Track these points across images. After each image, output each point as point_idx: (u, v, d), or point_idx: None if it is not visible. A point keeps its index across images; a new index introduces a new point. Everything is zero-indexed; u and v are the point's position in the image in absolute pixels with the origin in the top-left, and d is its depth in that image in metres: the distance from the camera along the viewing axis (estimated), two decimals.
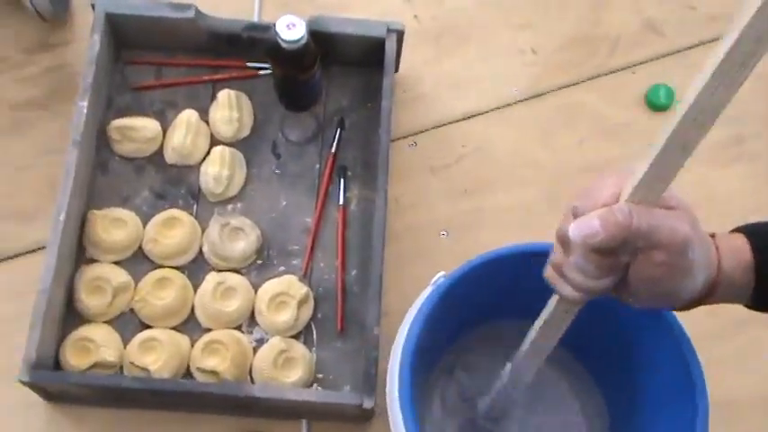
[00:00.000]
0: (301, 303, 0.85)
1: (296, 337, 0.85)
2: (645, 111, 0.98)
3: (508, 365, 0.73)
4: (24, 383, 0.75)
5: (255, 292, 0.86)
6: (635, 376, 0.69)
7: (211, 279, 0.85)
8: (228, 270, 0.86)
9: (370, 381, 0.77)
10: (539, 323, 0.59)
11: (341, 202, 0.90)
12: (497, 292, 0.75)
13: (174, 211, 0.87)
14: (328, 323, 0.86)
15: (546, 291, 0.61)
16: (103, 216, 0.85)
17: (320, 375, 0.84)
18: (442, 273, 0.77)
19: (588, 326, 0.69)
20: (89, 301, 0.83)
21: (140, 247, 0.86)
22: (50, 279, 0.78)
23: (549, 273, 0.54)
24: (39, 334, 0.77)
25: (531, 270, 0.64)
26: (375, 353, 0.78)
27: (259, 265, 0.87)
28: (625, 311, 0.60)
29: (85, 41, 0.95)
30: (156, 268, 0.86)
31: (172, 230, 0.86)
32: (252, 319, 0.85)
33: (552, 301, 0.57)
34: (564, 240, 0.50)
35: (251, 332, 0.85)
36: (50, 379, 0.76)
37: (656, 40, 0.94)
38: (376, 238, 0.83)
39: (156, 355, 0.81)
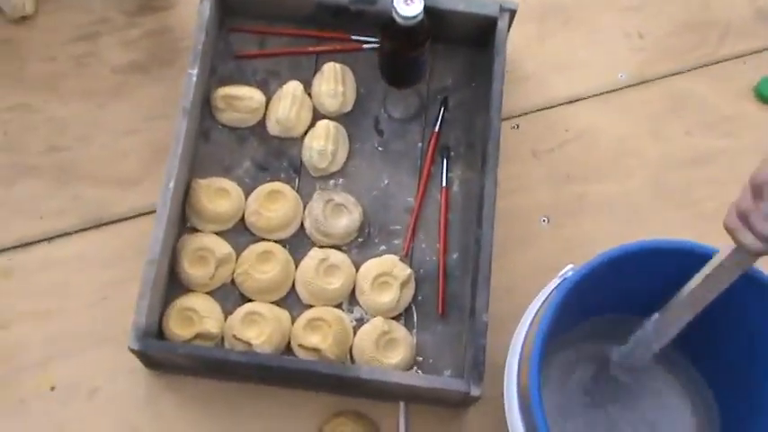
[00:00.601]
0: (404, 285, 0.84)
1: (396, 318, 0.84)
2: (754, 103, 0.96)
3: (655, 315, 0.72)
4: (133, 351, 0.76)
5: (357, 270, 0.85)
6: (754, 377, 0.69)
7: (315, 255, 0.85)
8: (330, 247, 0.86)
9: (478, 368, 0.77)
10: (700, 276, 0.58)
11: (444, 183, 0.89)
12: (618, 287, 0.75)
13: (278, 185, 0.87)
14: (429, 306, 0.85)
15: (667, 289, 0.63)
16: (208, 185, 0.84)
17: (420, 358, 0.84)
18: (570, 266, 0.75)
19: (708, 326, 0.70)
20: (193, 271, 0.83)
21: (242, 219, 0.86)
22: (159, 249, 0.78)
23: (730, 220, 0.53)
24: (147, 303, 0.77)
25: (654, 267, 0.66)
26: (483, 340, 0.78)
27: (360, 243, 0.87)
28: (754, 310, 0.62)
29: (187, 6, 0.95)
30: (256, 241, 0.85)
31: (275, 204, 0.86)
32: (352, 298, 0.85)
33: (722, 254, 0.56)
34: (758, 188, 0.49)
35: (351, 311, 0.85)
36: (160, 348, 0.77)
37: None
38: (485, 221, 0.82)
39: (258, 330, 0.81)
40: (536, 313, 0.70)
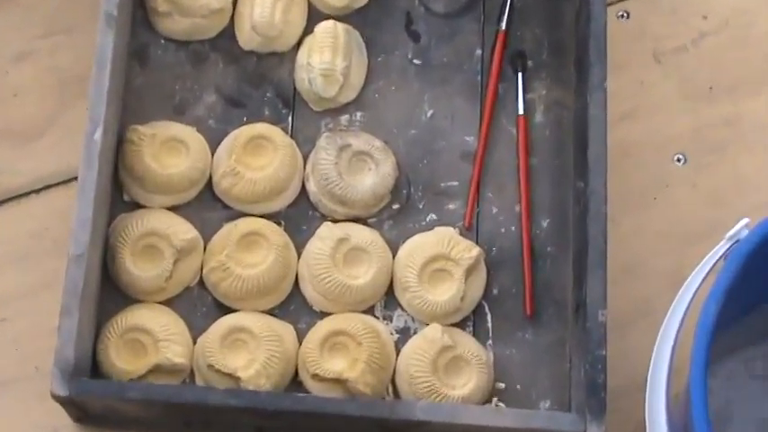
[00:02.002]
0: (469, 272, 0.82)
1: (461, 324, 0.83)
2: None
3: None
4: (57, 399, 0.74)
5: (394, 255, 0.84)
6: None
7: (327, 235, 0.83)
8: (350, 220, 0.85)
9: (597, 394, 0.75)
10: None
11: (520, 109, 0.88)
12: None
13: (262, 128, 0.85)
14: (509, 304, 0.84)
15: None
16: (152, 136, 0.83)
17: (501, 384, 0.83)
18: (744, 221, 0.70)
19: None
20: (140, 270, 0.82)
21: (209, 185, 0.85)
22: (86, 239, 0.77)
23: None
24: (75, 324, 0.75)
25: None
26: (602, 351, 0.76)
27: (396, 212, 0.86)
28: None
29: None
30: (234, 218, 0.84)
31: (259, 158, 0.84)
32: (390, 298, 0.84)
33: None
34: None
35: (389, 318, 0.85)
36: (99, 392, 0.75)
37: None
38: (593, 166, 0.80)
39: (248, 355, 0.80)
40: (691, 300, 0.68)
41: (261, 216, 0.87)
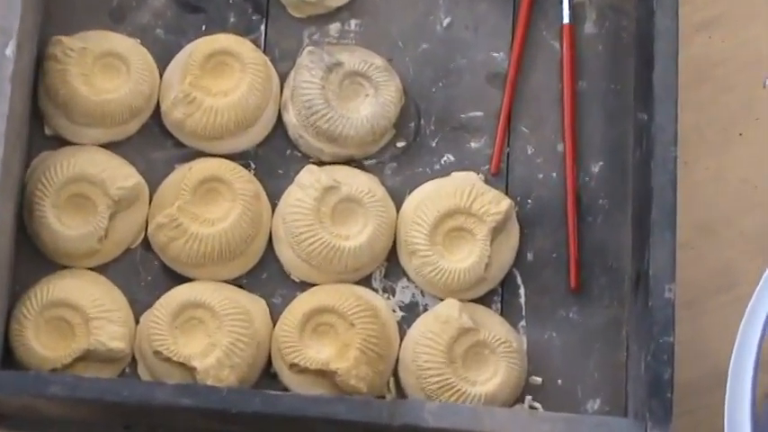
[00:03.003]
0: (497, 232, 0.84)
1: (485, 300, 0.85)
2: None
3: None
4: None
5: (398, 208, 0.86)
6: None
7: (310, 182, 0.85)
8: (340, 162, 0.87)
9: (662, 393, 0.76)
10: None
11: (566, 17, 0.90)
12: None
13: (224, 40, 0.87)
14: (548, 272, 0.86)
15: None
16: (81, 50, 0.85)
17: (537, 379, 0.85)
18: None
19: None
20: (64, 226, 0.84)
21: (155, 115, 0.87)
22: None
23: None
24: None
25: None
26: (668, 337, 0.77)
27: (401, 152, 0.88)
28: None
29: None
30: (191, 158, 0.87)
31: (220, 79, 0.86)
32: (393, 265, 0.86)
33: None
34: None
35: (391, 291, 0.86)
36: (14, 386, 0.77)
37: None
38: (660, 94, 0.81)
39: (205, 338, 0.82)
40: None
41: (224, 156, 0.87)
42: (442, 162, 0.88)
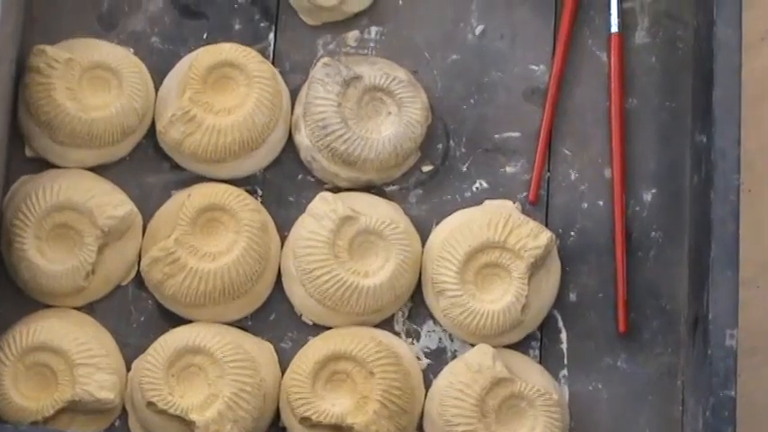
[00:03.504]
0: (536, 269, 0.85)
1: (522, 346, 0.86)
2: None
3: None
4: None
5: (423, 241, 0.87)
6: None
7: (325, 211, 0.85)
8: (358, 189, 0.88)
9: None
10: None
11: (614, 26, 0.90)
12: None
13: (228, 50, 0.88)
14: (594, 315, 0.87)
15: None
16: (67, 62, 0.86)
17: None
18: None
19: None
20: (47, 261, 0.85)
21: (152, 135, 0.88)
22: None
23: None
24: None
25: None
26: (730, 391, 0.78)
27: (427, 177, 0.89)
28: None
29: None
30: (190, 183, 0.87)
31: (224, 95, 0.87)
32: (417, 305, 0.87)
33: None
34: None
35: (415, 335, 0.87)
36: None
37: None
38: (722, 112, 0.82)
39: (205, 388, 0.82)
40: None
41: (227, 182, 0.87)
42: (474, 189, 0.89)
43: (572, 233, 0.88)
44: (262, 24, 0.91)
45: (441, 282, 0.85)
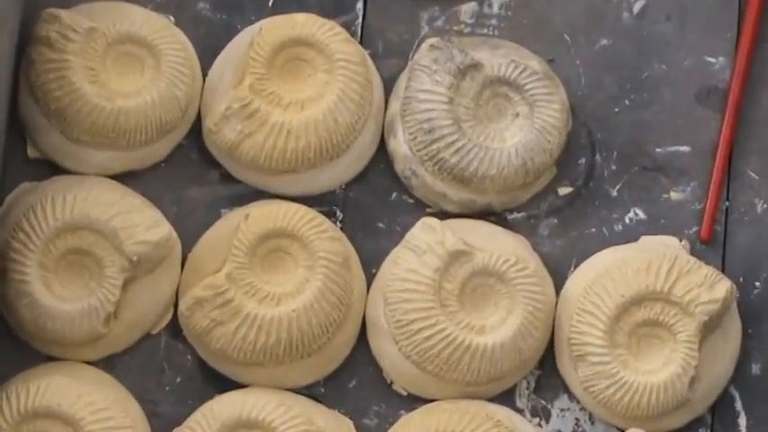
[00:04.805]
0: (708, 330, 0.86)
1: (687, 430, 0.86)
2: None
3: None
4: None
5: (558, 288, 0.89)
6: None
7: (428, 244, 0.86)
8: (474, 216, 0.89)
9: None
10: None
11: None
12: None
13: (302, 22, 0.89)
14: None
15: None
16: (88, 32, 0.88)
17: None
18: None
19: None
20: (56, 298, 0.86)
21: (196, 133, 0.90)
22: None
23: None
24: None
25: None
26: None
27: (565, 202, 0.91)
28: None
29: None
30: (248, 199, 0.89)
31: (296, 82, 0.89)
32: (548, 373, 0.89)
33: None
34: None
35: (546, 412, 0.89)
36: None
37: None
38: None
39: None
40: None
41: (297, 200, 0.88)
42: (627, 220, 0.89)
43: (757, 284, 0.89)
44: None
45: (581, 343, 0.86)
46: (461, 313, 0.85)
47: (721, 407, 0.87)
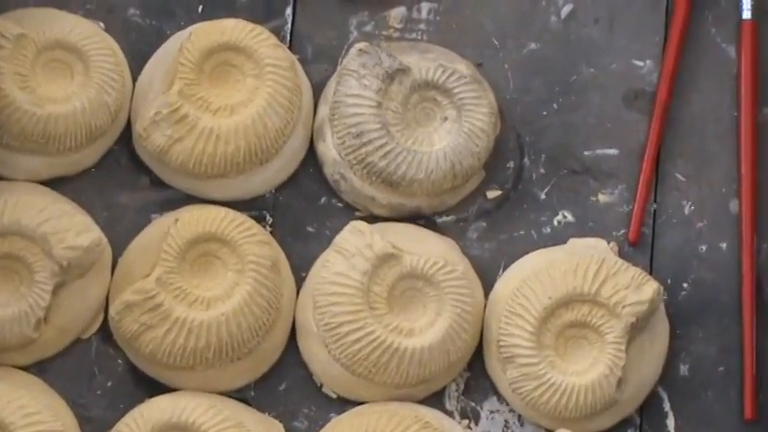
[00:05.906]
0: (636, 331, 0.85)
1: None
2: None
3: None
4: None
5: (487, 291, 0.88)
6: None
7: (357, 247, 0.86)
8: (403, 219, 0.89)
9: None
10: None
11: (746, 12, 0.91)
12: None
13: (231, 27, 0.89)
14: (711, 394, 0.88)
15: None
16: (18, 39, 0.87)
17: None
18: None
19: None
20: None
21: (126, 139, 0.89)
22: None
23: None
24: None
25: None
26: None
27: (494, 206, 0.90)
28: None
29: None
30: (177, 204, 0.89)
31: (224, 87, 0.88)
32: (477, 375, 0.88)
33: None
34: None
35: (475, 414, 0.88)
36: None
37: None
38: None
39: None
40: None
41: (226, 204, 0.88)
42: (555, 223, 0.89)
43: (685, 285, 0.89)
44: None
45: (510, 345, 0.85)
46: (390, 316, 0.85)
47: (650, 407, 0.87)
